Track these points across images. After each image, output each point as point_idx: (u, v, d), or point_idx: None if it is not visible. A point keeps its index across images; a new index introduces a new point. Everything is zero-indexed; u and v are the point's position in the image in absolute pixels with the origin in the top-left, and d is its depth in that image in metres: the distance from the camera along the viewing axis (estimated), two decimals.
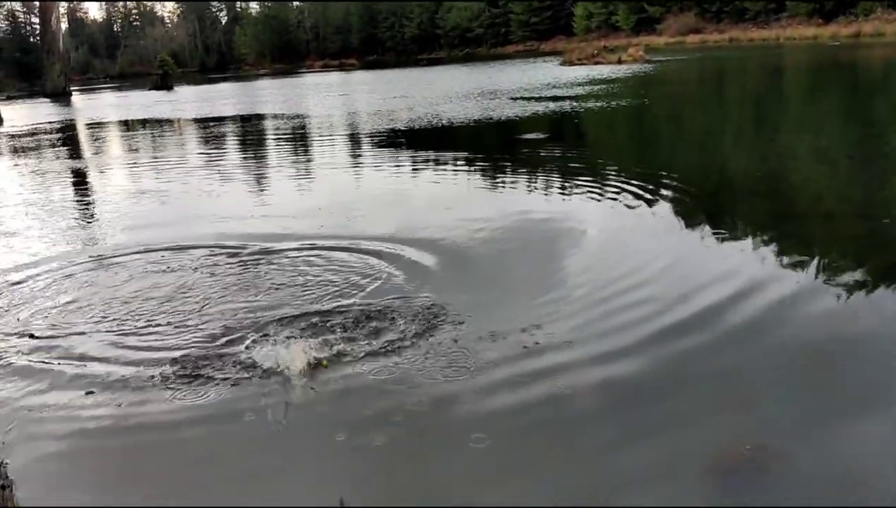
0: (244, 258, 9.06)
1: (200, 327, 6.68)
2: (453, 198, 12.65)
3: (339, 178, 16.01)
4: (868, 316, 6.35)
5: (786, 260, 7.96)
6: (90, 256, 9.74)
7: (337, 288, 7.49)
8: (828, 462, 4.38)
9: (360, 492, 4.22)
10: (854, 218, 10.23)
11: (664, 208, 10.83)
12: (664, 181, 12.79)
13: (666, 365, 5.59)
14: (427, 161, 17.15)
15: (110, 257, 9.62)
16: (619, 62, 57.28)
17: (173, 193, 15.02)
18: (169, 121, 34.52)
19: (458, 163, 16.45)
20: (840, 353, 5.71)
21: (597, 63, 57.56)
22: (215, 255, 9.27)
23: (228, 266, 8.76)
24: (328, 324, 6.44)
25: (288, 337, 6.15)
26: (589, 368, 5.57)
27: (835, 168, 14.15)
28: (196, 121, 33.91)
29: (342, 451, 4.65)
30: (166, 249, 9.76)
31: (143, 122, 34.89)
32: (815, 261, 7.84)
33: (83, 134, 32.25)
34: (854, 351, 5.73)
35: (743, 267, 7.71)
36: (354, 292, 7.33)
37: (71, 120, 39.88)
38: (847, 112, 22.87)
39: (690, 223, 9.86)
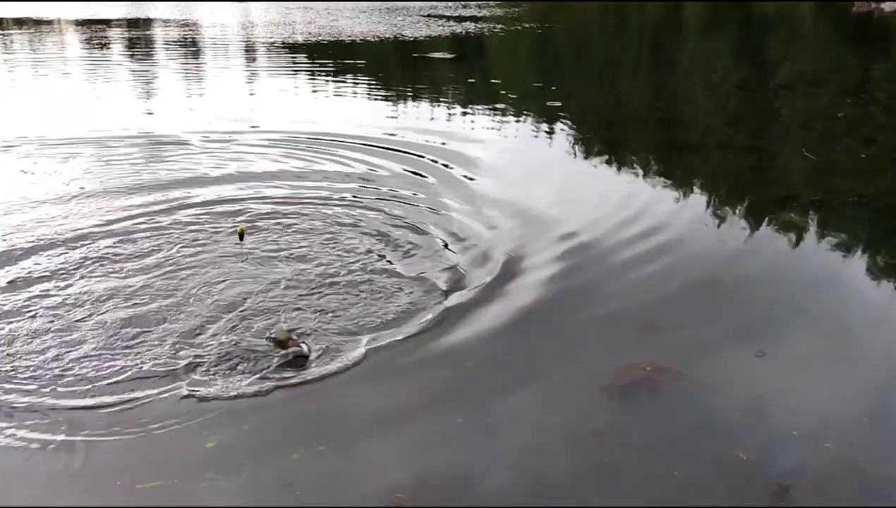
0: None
1: None
2: (351, 112, 12.29)
3: (231, 89, 15.28)
4: (755, 249, 6.59)
5: (680, 191, 8.12)
6: None
7: None
8: (714, 383, 4.55)
9: None
10: (742, 150, 10.57)
11: (562, 137, 10.85)
12: (562, 111, 12.84)
13: (569, 294, 5.63)
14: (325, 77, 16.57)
15: None
16: None
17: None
18: (49, 22, 31.94)
19: (357, 82, 15.96)
20: (729, 284, 5.90)
21: None
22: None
23: None
24: None
25: None
26: (501, 293, 5.56)
27: (727, 100, 14.55)
28: (79, 23, 31.48)
29: None
30: None
31: (20, 22, 32.13)
32: (708, 193, 8.04)
33: None
34: (741, 283, 5.94)
35: (638, 198, 7.83)
36: None
37: None
38: (740, 49, 23.51)
39: (588, 153, 9.91)
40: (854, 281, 6.02)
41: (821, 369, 4.77)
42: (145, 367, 4.50)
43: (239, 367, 4.48)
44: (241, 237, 6.20)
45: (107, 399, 4.19)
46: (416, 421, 4.15)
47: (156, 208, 7.23)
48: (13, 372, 4.43)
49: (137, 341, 4.79)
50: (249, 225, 6.62)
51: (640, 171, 8.86)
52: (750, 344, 4.97)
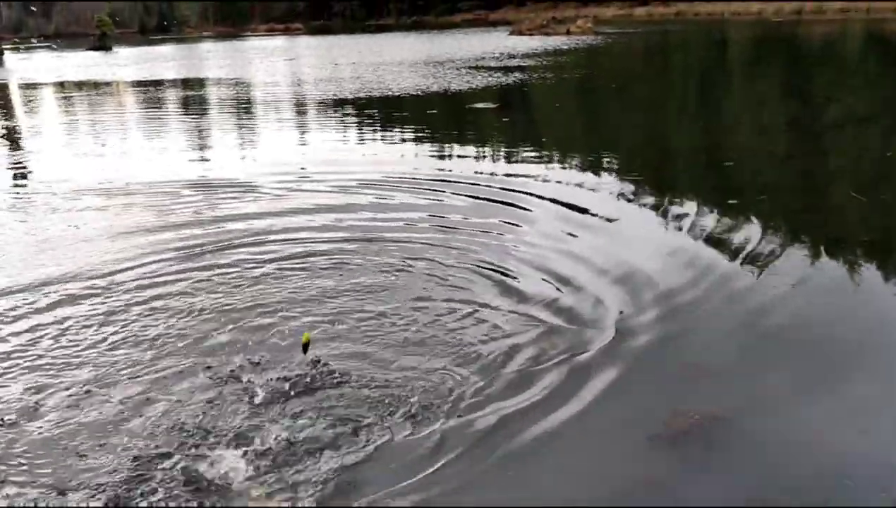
0: None
1: None
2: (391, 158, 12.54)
3: (282, 144, 15.74)
4: (812, 294, 6.48)
5: (732, 235, 8.06)
6: None
7: None
8: (771, 432, 4.48)
9: None
10: (794, 190, 10.46)
11: (608, 182, 10.89)
12: (608, 157, 12.91)
13: (621, 341, 5.63)
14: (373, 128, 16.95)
15: None
16: (568, 33, 57.39)
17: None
18: (107, 84, 33.37)
19: (406, 133, 16.27)
20: (786, 329, 5.82)
21: (546, 34, 57.53)
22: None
23: None
24: None
25: None
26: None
27: (776, 140, 14.43)
28: (136, 84, 32.84)
29: None
30: None
31: (80, 84, 33.64)
32: (760, 236, 7.96)
33: (16, 95, 30.94)
34: (800, 329, 5.85)
35: (689, 243, 7.80)
36: None
37: (3, 81, 38.20)
38: (788, 85, 23.33)
39: (634, 197, 9.91)
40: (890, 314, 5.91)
41: (887, 417, 4.66)
42: None
43: None
44: (306, 349, 5.13)
45: None
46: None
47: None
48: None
49: None
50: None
51: (692, 217, 8.78)
52: (808, 391, 4.90)
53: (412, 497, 3.88)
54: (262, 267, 7.38)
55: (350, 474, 4.09)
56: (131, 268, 7.42)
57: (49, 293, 6.77)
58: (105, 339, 5.81)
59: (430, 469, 4.10)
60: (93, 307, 6.44)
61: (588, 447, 4.41)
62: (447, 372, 5.13)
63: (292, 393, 4.89)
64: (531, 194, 10.05)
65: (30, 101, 28.40)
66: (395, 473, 4.08)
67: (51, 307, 6.47)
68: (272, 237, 8.43)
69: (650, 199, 9.70)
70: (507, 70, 28.84)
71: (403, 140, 15.34)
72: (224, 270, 7.32)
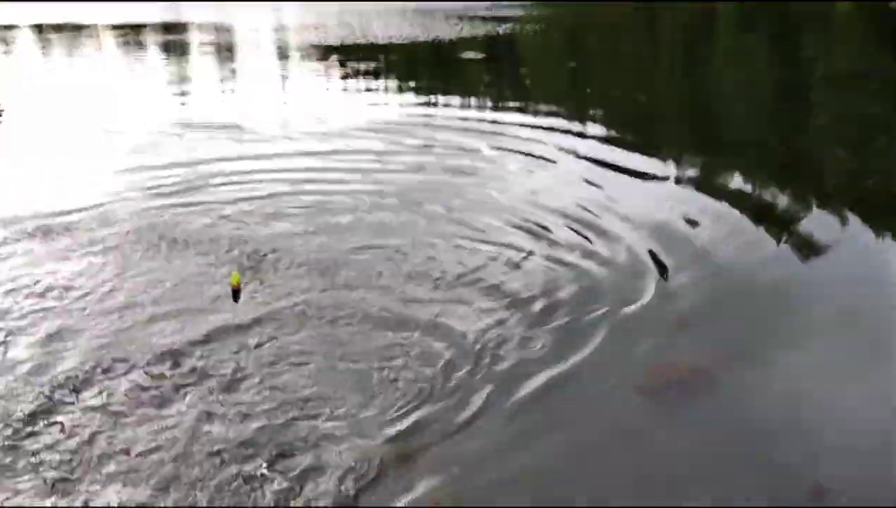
0: None
1: None
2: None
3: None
4: (790, 251, 6.45)
5: (714, 193, 8.02)
6: None
7: None
8: (750, 385, 4.49)
9: None
10: (777, 149, 10.42)
11: (596, 134, 10.80)
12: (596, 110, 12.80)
13: (605, 292, 5.60)
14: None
15: None
16: None
17: None
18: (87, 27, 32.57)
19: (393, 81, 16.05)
20: (765, 286, 5.80)
21: None
22: None
23: None
24: None
25: None
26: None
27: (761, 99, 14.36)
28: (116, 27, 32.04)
29: None
30: None
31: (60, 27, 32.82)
32: (743, 195, 7.92)
33: None
34: (777, 285, 5.82)
35: (677, 197, 7.76)
36: None
37: None
38: (774, 48, 23.18)
39: (623, 151, 9.81)
40: (893, 282, 5.91)
41: (860, 371, 4.66)
42: None
43: None
44: (236, 294, 4.84)
45: None
46: None
47: None
48: None
49: None
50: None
51: (676, 172, 8.74)
52: (787, 346, 4.89)
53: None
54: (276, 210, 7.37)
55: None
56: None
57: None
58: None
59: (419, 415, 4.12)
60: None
61: (579, 397, 4.37)
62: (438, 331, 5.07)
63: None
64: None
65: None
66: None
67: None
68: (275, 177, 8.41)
69: (631, 154, 9.60)
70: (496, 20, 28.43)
71: (388, 88, 15.15)
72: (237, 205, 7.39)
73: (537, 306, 5.33)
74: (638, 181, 8.48)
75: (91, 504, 3.45)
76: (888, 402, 4.32)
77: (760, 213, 7.26)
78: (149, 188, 8.06)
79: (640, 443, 3.98)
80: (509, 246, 6.37)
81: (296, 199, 7.65)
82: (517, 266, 6.00)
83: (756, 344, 4.93)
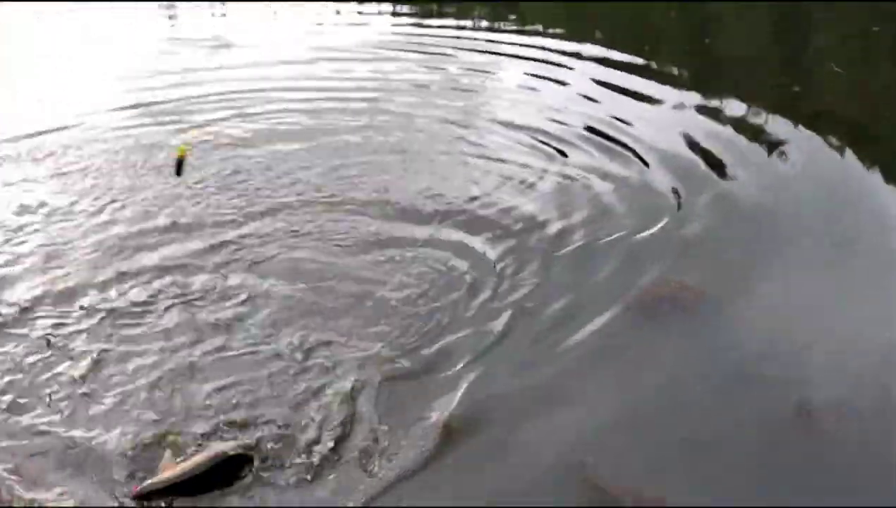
0: None
1: None
2: None
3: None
4: (788, 170, 6.45)
5: (713, 110, 7.92)
6: None
7: None
8: (742, 303, 4.54)
9: None
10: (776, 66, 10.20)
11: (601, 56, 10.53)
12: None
13: (605, 215, 5.62)
14: None
15: None
16: None
17: None
18: None
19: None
20: (764, 206, 5.77)
21: None
22: None
23: None
24: None
25: None
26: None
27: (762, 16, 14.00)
28: None
29: None
30: None
31: None
32: (741, 113, 7.81)
33: None
34: (786, 211, 5.75)
35: (687, 121, 7.66)
36: None
37: None
38: None
39: (631, 75, 9.57)
40: (890, 201, 5.90)
41: (853, 291, 4.69)
42: None
43: None
44: (179, 167, 4.59)
45: None
46: None
47: None
48: None
49: None
50: None
51: (677, 91, 8.58)
52: (786, 269, 4.91)
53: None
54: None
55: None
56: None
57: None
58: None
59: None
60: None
61: (575, 315, 4.43)
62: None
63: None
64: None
65: None
66: None
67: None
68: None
69: (635, 74, 9.43)
70: None
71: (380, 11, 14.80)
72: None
73: (551, 229, 5.36)
74: (646, 104, 8.32)
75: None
76: (882, 326, 4.36)
77: (770, 139, 7.16)
78: (136, 106, 7.96)
79: (637, 361, 4.08)
80: (523, 165, 6.37)
81: (297, 118, 7.58)
82: (531, 186, 6.01)
83: (755, 267, 4.95)
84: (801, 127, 7.34)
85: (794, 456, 3.41)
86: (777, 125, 7.46)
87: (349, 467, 3.30)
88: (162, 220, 5.36)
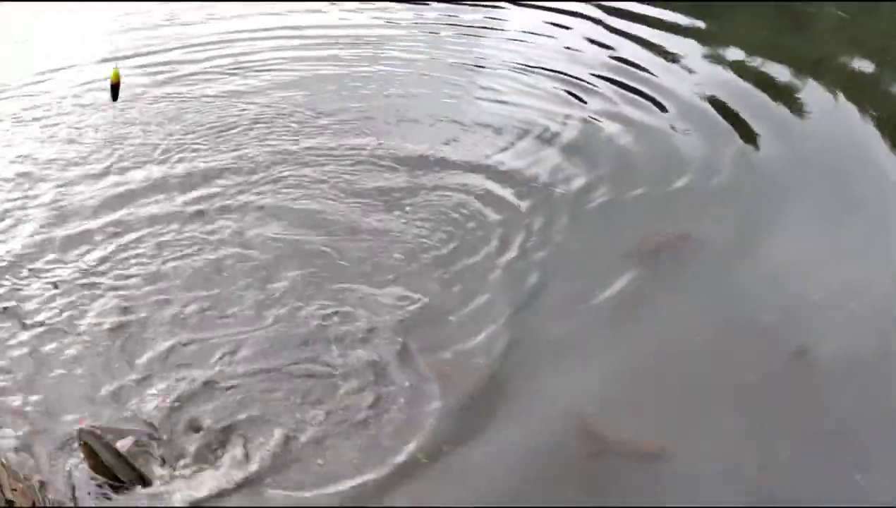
0: None
1: None
2: None
3: None
4: (786, 117, 6.31)
5: (712, 53, 7.76)
6: None
7: None
8: (740, 252, 4.53)
9: None
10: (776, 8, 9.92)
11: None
12: None
13: (602, 164, 5.56)
14: None
15: None
16: None
17: None
18: None
19: None
20: (775, 160, 5.65)
21: None
22: None
23: None
24: None
25: None
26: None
27: None
28: None
29: None
30: None
31: None
32: (741, 57, 7.65)
33: None
34: (804, 163, 5.64)
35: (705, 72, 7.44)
36: None
37: None
38: None
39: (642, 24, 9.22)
40: (884, 148, 5.77)
41: (849, 237, 4.70)
42: None
43: None
44: (115, 91, 4.35)
45: None
46: None
47: None
48: None
49: None
50: None
51: (688, 40, 8.31)
52: (793, 221, 4.88)
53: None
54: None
55: None
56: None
57: None
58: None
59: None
60: None
61: (569, 265, 4.46)
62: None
63: None
64: None
65: None
66: None
67: None
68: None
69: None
70: None
71: None
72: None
73: (570, 181, 5.31)
74: (658, 52, 8.07)
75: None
76: (881, 275, 4.36)
77: (784, 92, 6.90)
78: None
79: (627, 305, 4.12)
80: (544, 112, 6.30)
81: (298, 65, 7.34)
82: (553, 134, 5.94)
83: (760, 220, 4.89)
84: (811, 80, 7.13)
85: (792, 403, 3.47)
86: (788, 76, 7.29)
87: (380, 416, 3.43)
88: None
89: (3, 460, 3.06)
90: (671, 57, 7.75)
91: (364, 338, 3.83)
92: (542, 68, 7.17)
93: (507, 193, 5.11)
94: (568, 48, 7.88)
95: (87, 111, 6.27)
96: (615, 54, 7.70)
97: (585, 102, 6.50)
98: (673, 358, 3.76)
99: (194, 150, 5.60)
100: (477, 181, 5.25)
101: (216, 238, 4.60)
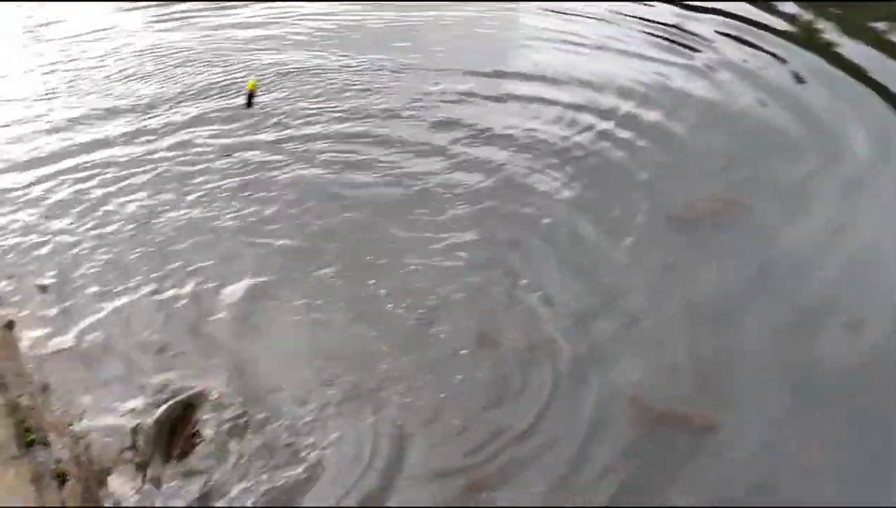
0: None
1: None
2: None
3: None
4: (839, 88, 6.06)
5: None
6: None
7: None
8: (782, 222, 4.48)
9: None
10: None
11: None
12: None
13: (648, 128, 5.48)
14: None
15: None
16: None
17: None
18: None
19: None
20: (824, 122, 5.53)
21: None
22: None
23: None
24: None
25: None
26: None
27: None
28: None
29: None
30: None
31: None
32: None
33: None
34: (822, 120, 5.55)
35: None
36: None
37: None
38: None
39: None
40: None
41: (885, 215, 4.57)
42: None
43: None
44: (250, 100, 4.99)
45: None
46: None
47: None
48: None
49: None
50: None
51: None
52: (834, 188, 4.78)
53: None
54: None
55: None
56: None
57: None
58: None
59: None
60: None
61: (613, 229, 4.42)
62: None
63: None
64: None
65: None
66: None
67: None
68: None
69: None
70: None
71: None
72: None
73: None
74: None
75: None
76: None
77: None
78: None
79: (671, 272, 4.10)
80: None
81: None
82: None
83: (800, 186, 4.81)
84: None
85: (840, 379, 3.46)
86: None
87: None
88: None
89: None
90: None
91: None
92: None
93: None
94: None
95: None
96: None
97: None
98: (708, 322, 3.76)
99: None
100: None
101: None
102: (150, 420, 3.10)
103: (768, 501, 2.98)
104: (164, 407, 3.13)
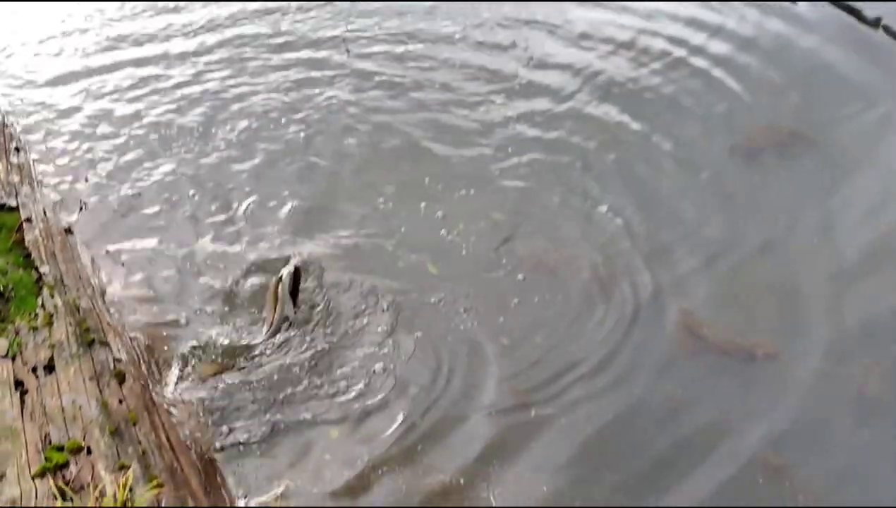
0: None
1: None
2: None
3: None
4: None
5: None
6: None
7: None
8: (844, 152, 4.31)
9: None
10: None
11: None
12: None
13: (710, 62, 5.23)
14: None
15: None
16: None
17: None
18: None
19: None
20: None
21: None
22: None
23: None
24: None
25: None
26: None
27: None
28: None
29: None
30: None
31: None
32: None
33: None
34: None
35: None
36: None
37: None
38: None
39: None
40: None
41: None
42: None
43: None
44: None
45: None
46: None
47: None
48: None
49: None
50: None
51: None
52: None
53: None
54: None
55: None
56: None
57: None
58: None
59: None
60: None
61: (674, 160, 4.28)
62: None
63: None
64: None
65: None
66: None
67: None
68: None
69: None
70: None
71: None
72: None
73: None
74: None
75: None
76: None
77: None
78: None
79: (738, 205, 3.97)
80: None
81: None
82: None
83: (876, 129, 4.55)
84: None
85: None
86: None
87: None
88: None
89: None
90: None
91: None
92: None
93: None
94: None
95: None
96: None
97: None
98: (766, 256, 3.66)
99: None
100: None
101: None
102: (281, 275, 3.42)
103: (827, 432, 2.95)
104: (287, 268, 3.45)
